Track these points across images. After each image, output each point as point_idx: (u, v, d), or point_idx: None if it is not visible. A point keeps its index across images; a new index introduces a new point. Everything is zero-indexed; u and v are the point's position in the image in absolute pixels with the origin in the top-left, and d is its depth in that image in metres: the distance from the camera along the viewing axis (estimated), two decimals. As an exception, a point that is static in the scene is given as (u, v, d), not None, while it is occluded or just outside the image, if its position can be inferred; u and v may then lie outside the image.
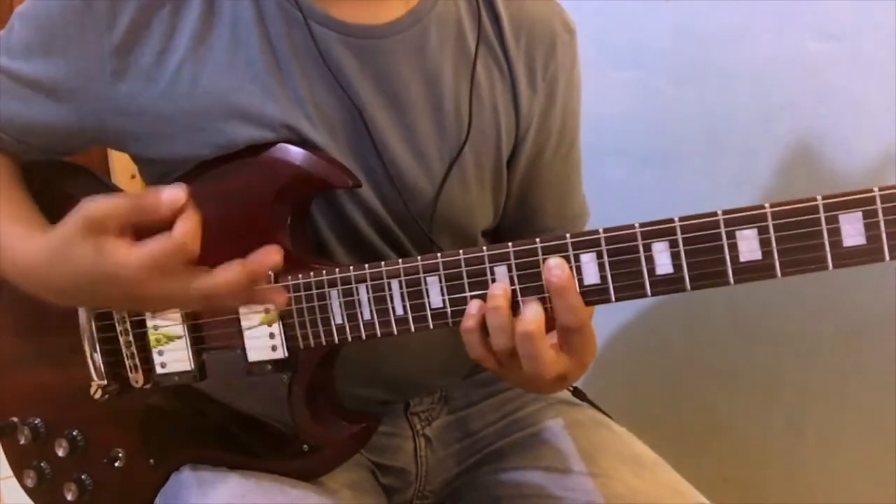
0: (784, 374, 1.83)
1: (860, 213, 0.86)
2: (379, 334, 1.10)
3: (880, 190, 0.86)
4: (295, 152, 1.15)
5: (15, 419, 1.36)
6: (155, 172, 1.26)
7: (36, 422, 1.34)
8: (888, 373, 1.67)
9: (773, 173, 1.75)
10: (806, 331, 1.78)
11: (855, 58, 1.62)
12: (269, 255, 1.00)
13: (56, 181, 1.30)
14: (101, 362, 1.27)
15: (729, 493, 1.96)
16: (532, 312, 0.99)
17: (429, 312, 1.07)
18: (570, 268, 0.98)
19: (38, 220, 1.19)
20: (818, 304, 1.75)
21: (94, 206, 0.97)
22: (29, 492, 1.38)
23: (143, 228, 0.98)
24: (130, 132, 1.19)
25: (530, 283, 1.00)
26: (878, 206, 0.86)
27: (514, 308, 1.01)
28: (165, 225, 0.95)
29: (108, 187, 1.31)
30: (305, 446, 1.19)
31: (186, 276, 0.99)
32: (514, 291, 1.01)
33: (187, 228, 0.95)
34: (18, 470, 1.38)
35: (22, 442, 1.35)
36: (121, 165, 1.23)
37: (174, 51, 1.15)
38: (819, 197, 0.88)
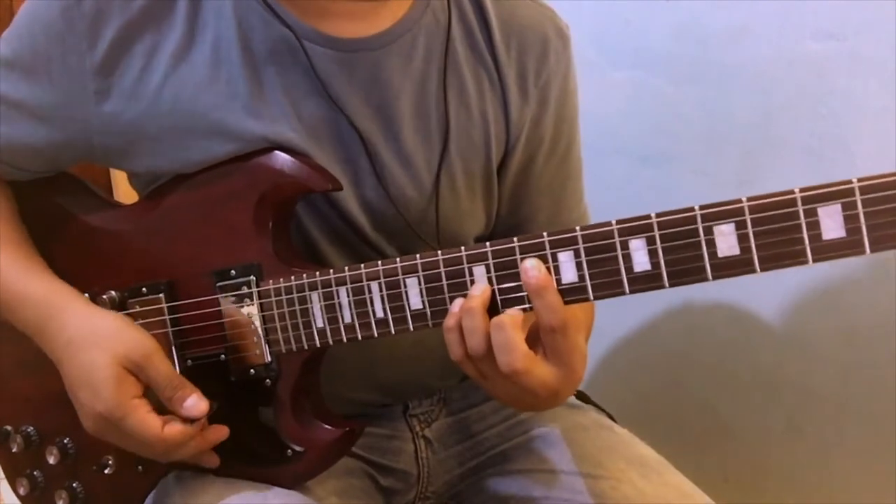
0: (784, 374, 1.82)
1: (839, 206, 0.84)
2: (360, 337, 1.09)
3: (859, 181, 0.83)
4: (276, 157, 1.15)
5: (8, 427, 1.36)
6: (142, 182, 1.27)
7: (28, 430, 1.34)
8: (888, 373, 1.66)
9: (773, 173, 1.74)
10: (806, 331, 1.77)
11: (855, 58, 1.61)
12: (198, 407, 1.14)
13: (49, 193, 1.30)
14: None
15: (729, 493, 1.95)
16: (510, 310, 0.99)
17: (409, 314, 1.06)
18: (549, 267, 0.97)
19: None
20: (818, 304, 1.74)
21: (147, 352, 1.13)
22: (22, 499, 1.39)
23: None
24: (115, 150, 1.20)
25: (509, 282, 0.99)
26: (857, 197, 0.83)
27: (494, 309, 1.00)
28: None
29: (104, 201, 1.31)
30: (290, 451, 1.18)
31: (142, 447, 1.15)
32: (493, 292, 1.00)
33: (174, 438, 1.12)
34: (11, 478, 1.39)
35: (14, 450, 1.35)
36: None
37: (156, 68, 1.15)
38: (797, 189, 0.86)
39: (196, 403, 1.12)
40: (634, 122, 1.95)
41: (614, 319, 2.04)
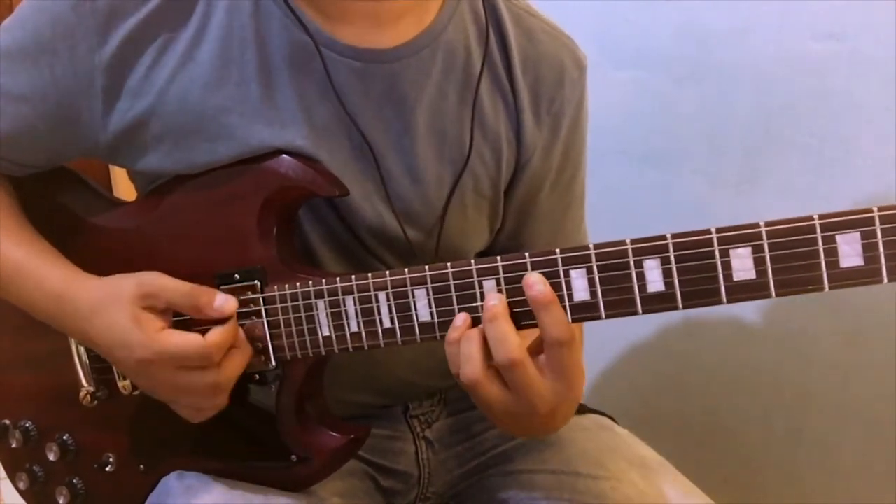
0: (784, 374, 1.83)
1: (858, 234, 0.84)
2: (366, 347, 1.09)
3: (879, 210, 0.84)
4: (282, 161, 1.14)
5: (7, 422, 1.35)
6: (144, 181, 1.25)
7: (27, 425, 1.34)
8: (888, 373, 1.67)
9: (773, 173, 1.75)
10: (806, 331, 1.78)
11: (855, 58, 1.61)
12: (228, 303, 1.13)
13: (49, 190, 1.29)
14: (89, 367, 1.27)
15: (729, 493, 1.95)
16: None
17: (416, 325, 1.05)
18: (560, 283, 0.97)
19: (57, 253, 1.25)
20: (818, 304, 1.74)
21: (152, 279, 1.12)
22: (22, 494, 1.39)
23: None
24: (119, 147, 1.19)
25: (518, 296, 0.99)
26: (877, 226, 0.84)
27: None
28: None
29: (104, 198, 1.30)
30: (294, 456, 1.18)
31: (197, 376, 1.10)
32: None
33: (219, 340, 1.09)
34: (11, 472, 1.38)
35: (13, 445, 1.35)
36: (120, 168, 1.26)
37: (164, 66, 1.14)
38: (816, 216, 0.86)
39: (225, 301, 1.12)
40: (635, 122, 1.95)
41: (614, 319, 2.03)
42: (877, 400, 1.69)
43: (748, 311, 1.85)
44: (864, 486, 1.76)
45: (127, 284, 1.12)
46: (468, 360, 1.00)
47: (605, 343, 2.09)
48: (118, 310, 1.10)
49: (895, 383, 1.66)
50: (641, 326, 2.04)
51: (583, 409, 1.41)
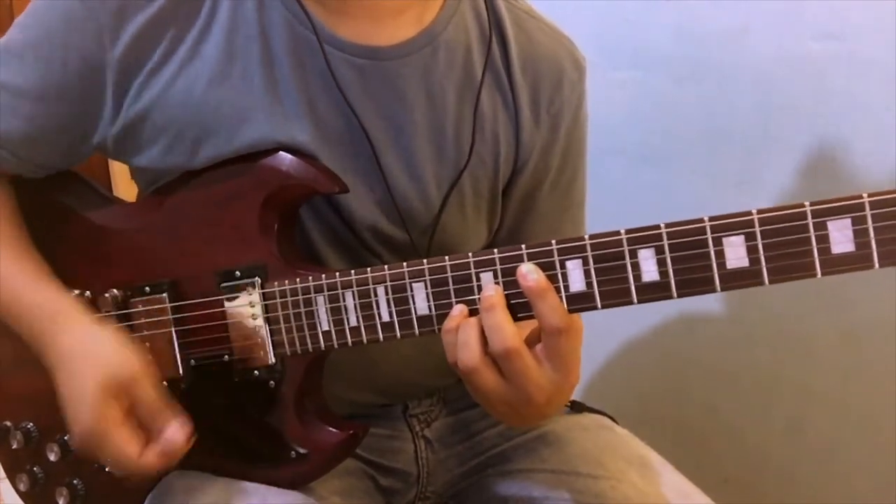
0: (784, 374, 1.83)
1: (849, 220, 0.85)
2: (365, 341, 1.09)
3: (869, 196, 0.84)
4: (282, 158, 1.15)
5: (8, 423, 1.35)
6: (147, 178, 1.25)
7: (28, 426, 1.33)
8: (888, 372, 1.67)
9: (773, 173, 1.75)
10: (806, 331, 1.78)
11: (855, 58, 1.62)
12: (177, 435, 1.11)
13: (51, 190, 1.29)
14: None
15: (729, 493, 1.95)
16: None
17: (414, 318, 1.06)
18: (556, 275, 0.97)
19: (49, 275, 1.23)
20: (818, 303, 1.74)
21: (133, 374, 1.10)
22: (22, 496, 1.38)
23: None
24: (125, 142, 1.19)
25: (516, 288, 0.99)
26: (868, 212, 0.84)
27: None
28: None
29: (105, 197, 1.30)
30: (293, 453, 1.18)
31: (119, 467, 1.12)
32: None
33: (155, 466, 1.11)
34: (11, 474, 1.38)
35: (14, 446, 1.34)
36: (121, 166, 1.25)
37: (172, 61, 1.15)
38: (807, 203, 0.86)
39: (173, 437, 1.10)
40: (634, 122, 1.95)
41: (614, 319, 1.99)
42: (876, 399, 1.69)
43: (748, 311, 1.85)
44: (864, 486, 1.76)
45: (110, 362, 1.11)
46: (465, 346, 1.00)
47: (604, 343, 2.09)
48: (87, 380, 1.10)
49: (895, 383, 1.66)
50: (641, 326, 2.04)
51: (583, 409, 1.40)
